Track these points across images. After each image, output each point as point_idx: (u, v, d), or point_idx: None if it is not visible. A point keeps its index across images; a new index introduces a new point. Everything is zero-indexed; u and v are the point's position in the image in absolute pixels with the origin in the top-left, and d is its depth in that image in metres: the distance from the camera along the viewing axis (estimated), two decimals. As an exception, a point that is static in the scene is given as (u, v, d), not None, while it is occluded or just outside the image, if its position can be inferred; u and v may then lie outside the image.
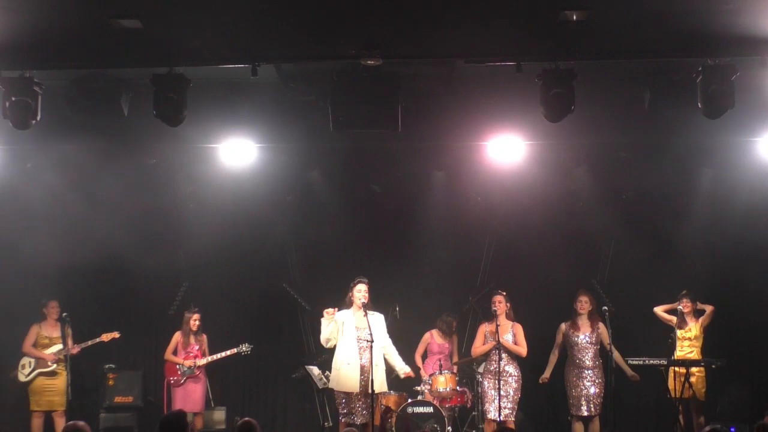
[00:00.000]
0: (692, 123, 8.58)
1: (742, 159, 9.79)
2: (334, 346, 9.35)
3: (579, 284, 10.84)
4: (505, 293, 10.16)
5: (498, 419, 9.75)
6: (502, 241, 11.78)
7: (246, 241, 11.62)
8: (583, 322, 10.15)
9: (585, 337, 10.10)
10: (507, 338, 9.99)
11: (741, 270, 10.94)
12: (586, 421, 10.07)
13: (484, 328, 10.26)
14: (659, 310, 10.41)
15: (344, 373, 9.17)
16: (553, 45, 7.84)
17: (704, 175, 10.70)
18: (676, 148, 9.94)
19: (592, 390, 9.98)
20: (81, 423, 6.71)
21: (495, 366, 9.98)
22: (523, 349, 10.03)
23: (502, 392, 9.83)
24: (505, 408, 9.82)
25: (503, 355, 9.91)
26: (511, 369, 9.96)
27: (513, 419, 9.91)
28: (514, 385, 9.92)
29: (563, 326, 10.29)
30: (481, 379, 10.30)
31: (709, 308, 10.31)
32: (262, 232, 11.68)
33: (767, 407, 8.14)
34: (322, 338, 9.35)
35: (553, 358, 10.35)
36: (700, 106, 7.87)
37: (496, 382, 9.90)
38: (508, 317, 10.13)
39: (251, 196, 10.82)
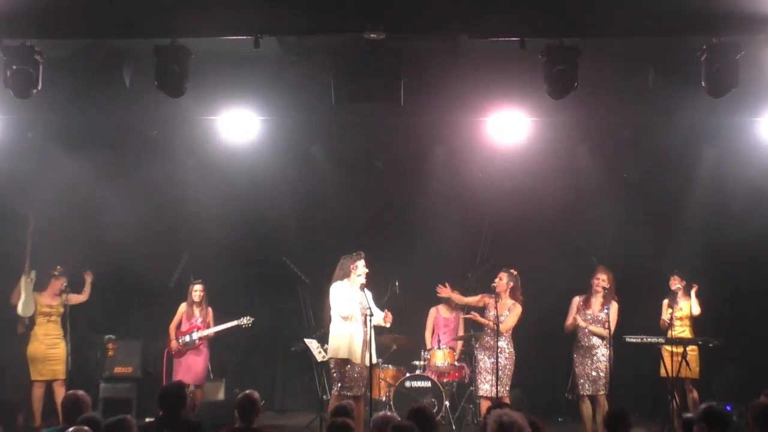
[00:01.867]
0: (695, 102, 8.56)
1: (744, 138, 9.77)
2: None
3: (578, 263, 10.87)
4: (512, 271, 10.07)
5: (489, 396, 9.77)
6: (502, 218, 11.79)
7: (246, 213, 11.63)
8: (596, 300, 9.97)
9: (594, 316, 9.99)
10: (501, 317, 9.95)
11: (742, 250, 10.94)
12: (593, 399, 9.99)
13: (485, 299, 10.18)
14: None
15: (347, 343, 9.17)
16: (557, 21, 7.80)
17: (707, 155, 10.69)
18: (679, 127, 9.90)
19: (600, 369, 9.90)
20: (81, 392, 6.77)
21: (488, 340, 9.98)
22: (491, 324, 9.84)
23: (493, 368, 9.83)
24: (495, 384, 9.82)
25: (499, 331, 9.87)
26: (503, 345, 9.86)
27: (507, 394, 9.89)
28: (503, 361, 9.80)
29: (577, 299, 10.12)
30: (476, 354, 10.32)
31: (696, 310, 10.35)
32: (263, 205, 11.69)
33: (762, 386, 8.15)
34: (345, 312, 9.23)
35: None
36: (703, 84, 7.84)
37: (486, 357, 9.91)
38: (512, 296, 10.07)
39: (252, 169, 10.82)
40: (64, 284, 10.60)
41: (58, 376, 10.52)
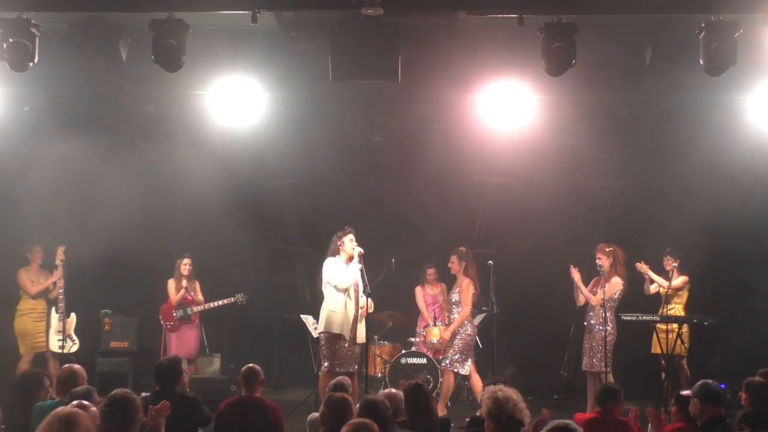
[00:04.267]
0: (693, 80, 8.54)
1: (742, 117, 9.74)
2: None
3: (574, 241, 10.84)
4: (461, 249, 10.32)
5: (453, 371, 10.16)
6: (498, 197, 11.78)
7: (242, 189, 11.63)
8: (603, 278, 9.93)
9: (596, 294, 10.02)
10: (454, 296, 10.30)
11: (739, 228, 10.95)
12: (596, 376, 10.01)
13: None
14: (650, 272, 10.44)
15: (341, 318, 9.20)
16: (556, -2, 7.79)
17: (704, 133, 10.66)
18: (677, 105, 9.89)
19: (594, 346, 9.91)
20: (77, 366, 6.80)
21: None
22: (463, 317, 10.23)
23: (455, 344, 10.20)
24: (453, 359, 10.14)
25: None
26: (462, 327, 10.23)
27: (464, 370, 10.16)
28: (466, 338, 10.16)
29: (594, 280, 10.21)
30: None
31: (682, 279, 10.36)
32: (259, 181, 11.69)
33: (757, 365, 8.18)
34: (344, 283, 9.24)
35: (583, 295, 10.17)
36: (701, 62, 7.82)
37: (456, 335, 10.24)
38: (466, 274, 10.27)
39: (249, 144, 10.77)
40: (42, 258, 10.80)
41: (42, 349, 10.66)
